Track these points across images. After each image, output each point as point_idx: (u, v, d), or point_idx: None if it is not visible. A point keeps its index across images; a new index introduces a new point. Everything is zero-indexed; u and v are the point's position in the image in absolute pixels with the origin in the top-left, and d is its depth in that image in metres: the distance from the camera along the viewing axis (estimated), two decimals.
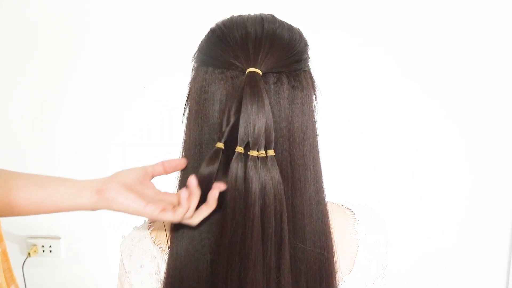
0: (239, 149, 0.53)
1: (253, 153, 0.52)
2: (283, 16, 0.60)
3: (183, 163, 0.59)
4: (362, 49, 1.39)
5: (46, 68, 1.47)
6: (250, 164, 0.52)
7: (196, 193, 0.55)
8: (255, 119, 0.51)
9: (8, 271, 0.58)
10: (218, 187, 0.55)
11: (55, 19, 1.44)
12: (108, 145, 1.50)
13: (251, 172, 0.52)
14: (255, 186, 0.52)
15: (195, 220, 0.56)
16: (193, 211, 0.55)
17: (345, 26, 1.38)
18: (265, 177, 0.52)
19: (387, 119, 1.42)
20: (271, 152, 0.53)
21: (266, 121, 0.52)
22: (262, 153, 0.53)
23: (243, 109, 0.52)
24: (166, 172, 0.60)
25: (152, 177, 0.60)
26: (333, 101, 1.34)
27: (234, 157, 0.53)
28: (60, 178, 0.59)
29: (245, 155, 0.53)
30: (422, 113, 1.41)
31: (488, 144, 1.41)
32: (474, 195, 1.44)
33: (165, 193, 0.60)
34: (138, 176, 0.57)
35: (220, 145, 0.54)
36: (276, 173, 0.53)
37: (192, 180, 0.54)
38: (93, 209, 0.57)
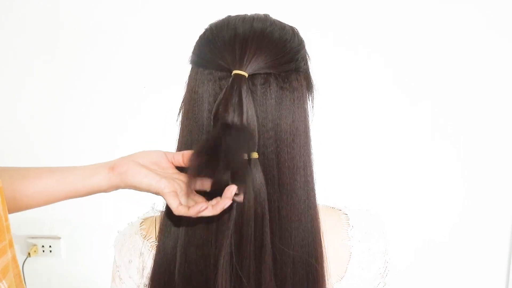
0: None
1: None
2: (280, 17, 0.60)
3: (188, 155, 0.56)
4: (361, 48, 1.39)
5: (52, 70, 1.49)
6: None
7: (225, 204, 0.51)
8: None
9: (18, 276, 0.57)
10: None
11: (62, 20, 1.47)
12: (115, 146, 1.50)
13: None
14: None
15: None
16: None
17: (344, 27, 1.39)
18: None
19: (386, 120, 1.42)
20: (254, 155, 0.52)
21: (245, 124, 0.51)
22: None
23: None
24: (185, 164, 0.56)
25: (171, 164, 0.58)
26: (332, 102, 1.34)
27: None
28: (69, 166, 0.59)
29: None
30: (421, 113, 1.41)
31: (488, 144, 1.40)
32: (474, 195, 1.43)
33: (183, 174, 0.58)
34: (154, 158, 0.56)
35: None
36: (258, 175, 0.52)
37: (232, 190, 0.51)
38: (109, 187, 0.56)
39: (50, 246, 1.57)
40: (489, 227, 1.44)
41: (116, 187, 0.57)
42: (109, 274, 0.65)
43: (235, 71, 0.53)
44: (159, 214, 0.65)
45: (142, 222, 0.65)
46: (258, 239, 0.53)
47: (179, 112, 0.62)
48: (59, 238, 1.58)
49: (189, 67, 0.62)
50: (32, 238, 1.57)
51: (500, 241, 1.45)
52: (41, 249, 1.58)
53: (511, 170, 1.41)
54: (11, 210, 0.57)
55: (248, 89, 0.52)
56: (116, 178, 0.55)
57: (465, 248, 1.47)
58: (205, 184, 0.54)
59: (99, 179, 0.56)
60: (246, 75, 0.53)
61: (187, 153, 0.56)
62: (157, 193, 0.54)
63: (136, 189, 0.56)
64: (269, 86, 0.54)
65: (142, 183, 0.54)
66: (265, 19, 0.58)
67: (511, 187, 1.42)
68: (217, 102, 0.52)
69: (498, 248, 1.45)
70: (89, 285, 1.62)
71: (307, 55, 0.60)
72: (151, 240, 0.62)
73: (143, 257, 0.61)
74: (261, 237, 0.53)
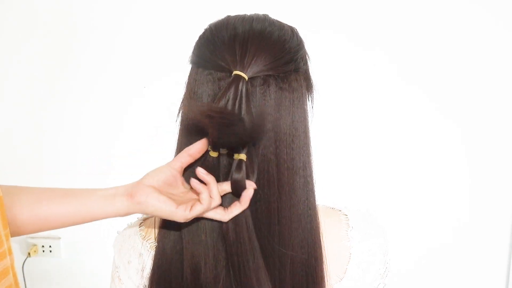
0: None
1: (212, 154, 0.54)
2: (281, 16, 0.60)
3: (205, 143, 0.55)
4: (362, 49, 1.39)
5: (47, 69, 1.49)
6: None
7: (209, 179, 0.54)
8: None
9: (15, 284, 0.58)
10: (251, 185, 0.54)
11: (57, 18, 1.46)
12: (112, 144, 1.50)
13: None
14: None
15: (226, 216, 0.54)
16: (217, 195, 0.54)
17: (345, 27, 1.39)
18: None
19: (387, 120, 1.42)
20: (241, 156, 0.53)
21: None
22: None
23: None
24: (195, 158, 0.56)
25: (182, 170, 0.57)
26: (332, 103, 1.35)
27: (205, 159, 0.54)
28: (85, 190, 0.58)
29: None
30: (421, 114, 1.41)
31: (488, 144, 1.40)
32: (474, 196, 1.43)
33: (193, 191, 0.58)
34: (166, 177, 0.56)
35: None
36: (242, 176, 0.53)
37: (200, 170, 0.54)
38: (127, 214, 0.56)
39: (50, 246, 1.58)
40: (489, 227, 1.44)
41: (133, 213, 0.57)
42: (109, 274, 0.65)
43: (235, 72, 0.52)
44: None
45: (142, 223, 0.65)
46: (251, 239, 0.53)
47: (179, 112, 0.62)
48: (59, 238, 1.58)
49: (189, 66, 0.62)
50: (32, 238, 1.58)
51: (500, 241, 1.45)
52: (41, 249, 1.58)
53: (511, 171, 1.41)
54: (23, 233, 0.59)
55: (246, 91, 0.52)
56: (135, 207, 0.55)
57: (465, 248, 1.47)
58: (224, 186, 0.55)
59: (117, 208, 0.56)
60: (246, 78, 0.53)
61: (192, 148, 0.55)
62: (179, 220, 0.54)
63: (151, 215, 0.57)
64: (268, 87, 0.54)
65: (162, 211, 0.54)
66: (264, 19, 0.58)
67: (511, 187, 1.42)
68: (215, 101, 0.52)
69: (498, 249, 1.45)
70: (89, 285, 1.62)
71: (306, 55, 0.60)
72: (150, 241, 0.62)
73: (142, 258, 0.61)
74: (250, 238, 0.54)
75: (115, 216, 0.57)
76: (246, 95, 0.52)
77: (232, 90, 0.51)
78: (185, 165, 0.56)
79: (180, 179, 0.57)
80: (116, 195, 0.56)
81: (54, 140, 1.52)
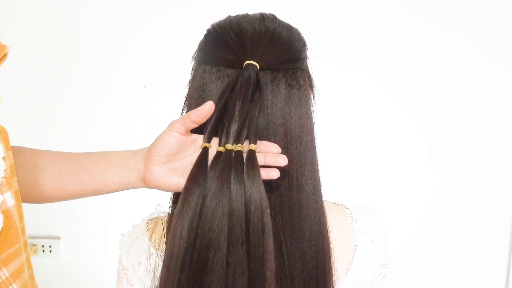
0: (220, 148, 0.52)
1: (228, 146, 0.52)
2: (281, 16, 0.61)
3: (210, 107, 0.51)
4: (358, 51, 1.40)
5: (59, 72, 1.48)
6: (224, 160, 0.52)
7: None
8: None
9: (31, 277, 0.59)
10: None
11: (67, 21, 1.45)
12: (112, 145, 1.50)
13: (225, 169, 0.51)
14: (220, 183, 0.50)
15: None
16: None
17: (340, 27, 1.39)
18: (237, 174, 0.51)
19: (386, 119, 1.43)
20: (252, 147, 0.52)
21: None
22: (239, 146, 0.52)
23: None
24: (198, 123, 0.53)
25: (188, 132, 0.54)
26: (332, 101, 1.35)
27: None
28: (105, 166, 0.61)
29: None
30: (420, 113, 1.41)
31: (489, 144, 1.41)
32: (474, 195, 1.44)
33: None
34: (171, 150, 0.55)
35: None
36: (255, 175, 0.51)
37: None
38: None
39: (50, 246, 1.57)
40: (489, 226, 1.44)
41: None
42: (109, 274, 0.65)
43: (247, 61, 0.53)
44: (164, 215, 0.65)
45: (148, 222, 0.65)
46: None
47: (182, 111, 0.62)
48: (59, 238, 1.57)
49: (190, 66, 0.62)
50: (32, 238, 1.57)
51: (500, 240, 1.45)
52: (41, 249, 1.57)
53: (511, 169, 1.42)
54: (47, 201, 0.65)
55: (258, 78, 0.53)
56: (151, 187, 0.58)
57: (465, 248, 1.47)
58: None
59: (131, 186, 0.60)
60: (258, 66, 0.53)
61: (194, 113, 0.52)
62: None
63: None
64: (278, 83, 0.55)
65: (171, 189, 0.57)
66: (274, 18, 0.59)
67: (511, 186, 1.43)
68: (226, 86, 0.53)
69: (498, 248, 1.46)
70: (88, 285, 1.62)
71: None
72: (158, 241, 0.62)
73: (153, 258, 0.62)
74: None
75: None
76: (258, 81, 0.53)
77: (244, 76, 0.52)
78: (190, 128, 0.54)
79: (188, 140, 0.55)
80: (131, 181, 0.59)
81: (67, 144, 1.52)
